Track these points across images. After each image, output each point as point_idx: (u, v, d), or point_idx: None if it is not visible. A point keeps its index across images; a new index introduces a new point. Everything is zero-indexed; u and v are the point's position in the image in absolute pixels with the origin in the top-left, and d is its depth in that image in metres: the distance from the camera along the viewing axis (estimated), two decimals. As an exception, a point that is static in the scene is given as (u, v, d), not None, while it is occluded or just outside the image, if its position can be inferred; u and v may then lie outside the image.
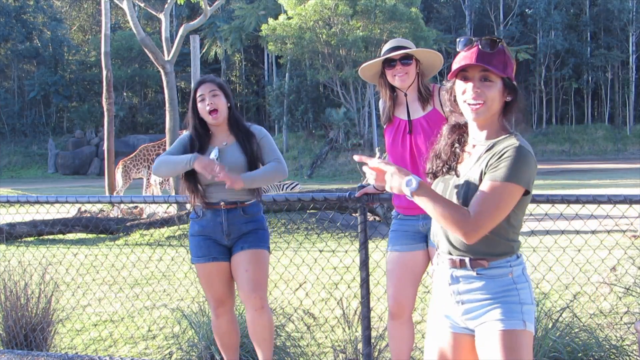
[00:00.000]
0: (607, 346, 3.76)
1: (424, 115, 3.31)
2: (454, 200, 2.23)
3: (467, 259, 2.24)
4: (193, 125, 3.53)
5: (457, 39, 2.27)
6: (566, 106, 51.51)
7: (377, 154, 12.97)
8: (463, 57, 2.22)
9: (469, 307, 2.24)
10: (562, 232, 4.30)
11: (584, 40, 49.93)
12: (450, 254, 2.28)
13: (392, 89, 3.39)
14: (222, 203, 3.46)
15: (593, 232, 4.47)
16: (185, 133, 3.62)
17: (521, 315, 2.20)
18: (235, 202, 3.48)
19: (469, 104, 2.21)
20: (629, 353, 3.79)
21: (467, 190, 2.21)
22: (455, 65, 2.23)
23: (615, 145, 45.98)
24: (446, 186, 2.30)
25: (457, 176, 2.29)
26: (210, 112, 3.45)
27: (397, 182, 2.17)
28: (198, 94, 3.49)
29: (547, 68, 49.42)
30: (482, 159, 2.22)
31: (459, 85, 2.24)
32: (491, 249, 2.22)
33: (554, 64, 49.44)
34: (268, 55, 47.96)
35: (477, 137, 2.28)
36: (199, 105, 3.48)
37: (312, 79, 42.36)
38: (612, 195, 3.38)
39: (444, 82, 2.41)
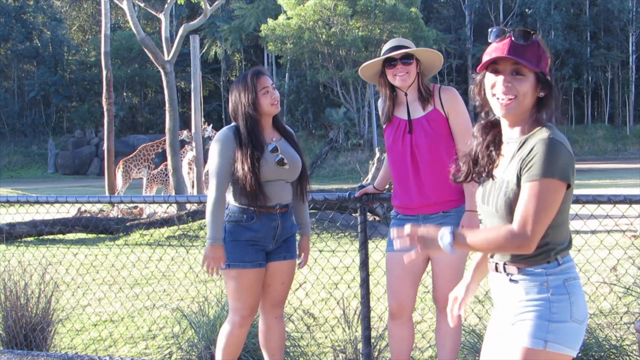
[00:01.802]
0: (607, 346, 3.76)
1: (424, 115, 3.31)
2: (493, 207, 2.12)
3: (501, 263, 2.13)
4: (251, 116, 3.27)
5: (489, 29, 2.14)
6: (566, 106, 51.46)
7: (377, 154, 12.96)
8: (494, 49, 2.09)
9: (508, 315, 2.13)
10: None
11: (584, 40, 49.91)
12: (491, 257, 2.19)
13: (392, 88, 3.39)
14: (277, 207, 3.32)
15: (593, 232, 4.47)
16: (222, 131, 3.34)
17: (545, 334, 2.02)
18: (287, 205, 3.37)
19: (499, 99, 2.09)
20: (629, 353, 3.79)
21: (503, 194, 2.09)
22: (486, 57, 2.10)
23: (615, 145, 45.96)
24: (485, 192, 2.19)
25: (493, 180, 2.16)
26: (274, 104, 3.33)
27: (430, 242, 2.06)
28: (262, 86, 3.29)
29: (547, 68, 49.39)
30: (515, 158, 2.10)
31: (489, 78, 2.12)
32: (525, 254, 2.08)
33: (554, 64, 49.18)
34: (268, 55, 47.91)
35: (509, 134, 2.15)
36: (262, 97, 3.29)
37: (312, 79, 42.34)
38: (612, 195, 3.38)
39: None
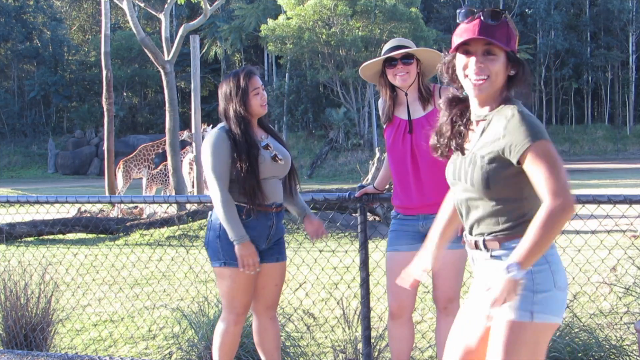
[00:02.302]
0: (607, 346, 3.75)
1: (424, 115, 3.31)
2: (468, 182, 2.13)
3: (480, 240, 2.15)
4: (242, 117, 3.25)
5: (457, 10, 2.15)
6: (566, 106, 51.49)
7: (377, 154, 12.97)
8: (464, 30, 2.09)
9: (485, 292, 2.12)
10: (562, 232, 4.28)
11: (584, 40, 49.91)
12: (470, 234, 2.19)
13: (393, 88, 3.39)
14: (274, 206, 3.31)
15: (593, 232, 4.47)
16: (213, 132, 3.32)
17: (531, 305, 2.04)
18: (281, 205, 3.36)
19: (472, 80, 2.10)
20: (629, 353, 3.79)
21: (479, 169, 2.10)
22: (457, 38, 2.11)
23: (615, 145, 45.97)
24: (455, 168, 2.21)
25: (463, 155, 2.18)
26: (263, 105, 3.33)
27: (505, 286, 1.95)
28: (254, 87, 3.28)
29: (547, 68, 49.41)
30: (485, 134, 2.12)
31: (460, 59, 2.12)
32: (504, 226, 2.10)
33: (554, 64, 49.41)
34: (268, 55, 47.92)
35: (479, 112, 2.17)
36: (254, 98, 3.28)
37: (312, 79, 42.34)
38: (612, 195, 3.38)
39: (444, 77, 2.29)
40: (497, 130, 2.08)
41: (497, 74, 2.09)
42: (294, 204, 3.56)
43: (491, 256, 2.14)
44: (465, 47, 2.11)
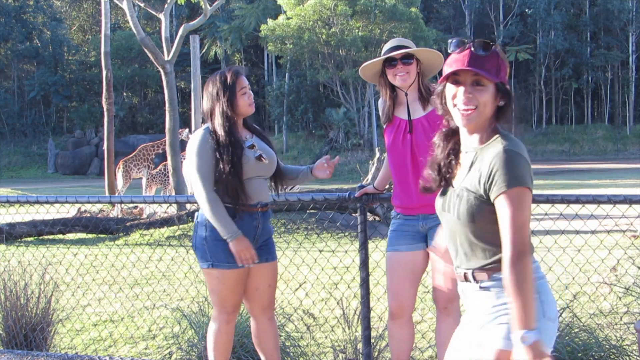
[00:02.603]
0: (607, 346, 3.76)
1: (424, 115, 3.31)
2: (454, 214, 2.15)
3: (470, 272, 2.17)
4: (228, 117, 3.24)
5: (449, 40, 2.18)
6: (566, 106, 51.49)
7: (377, 154, 12.97)
8: (455, 60, 2.13)
9: (480, 321, 2.16)
10: (562, 232, 4.30)
11: (584, 40, 49.91)
12: (459, 267, 2.21)
13: (393, 88, 3.39)
14: (259, 205, 3.31)
15: (593, 232, 4.47)
16: (197, 133, 3.32)
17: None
18: (267, 204, 3.36)
19: (460, 109, 2.12)
20: (629, 353, 3.79)
21: (465, 202, 2.12)
22: (447, 68, 2.14)
23: (615, 145, 45.97)
24: (445, 201, 2.23)
25: (453, 187, 2.21)
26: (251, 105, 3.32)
27: (533, 353, 1.96)
28: (241, 86, 3.27)
29: (547, 68, 49.41)
30: (473, 167, 2.14)
31: (450, 89, 2.16)
32: (491, 259, 2.12)
33: (553, 64, 49.42)
34: (268, 55, 47.94)
35: (468, 143, 2.19)
36: (241, 97, 3.27)
37: (312, 79, 42.35)
38: (612, 195, 3.38)
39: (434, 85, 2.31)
40: (483, 166, 2.10)
41: (485, 105, 2.11)
42: (295, 174, 3.58)
43: (480, 287, 2.15)
44: (455, 77, 2.14)
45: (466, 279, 2.19)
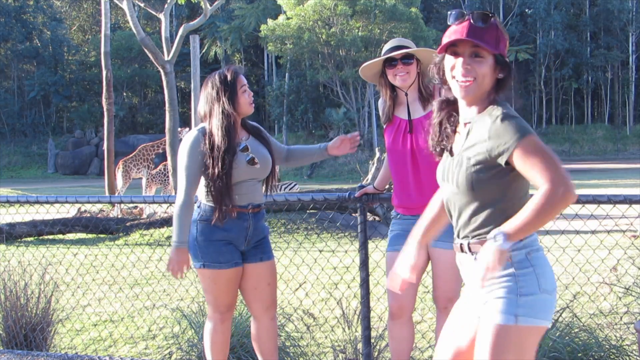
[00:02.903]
0: (607, 346, 3.75)
1: (424, 115, 3.31)
2: (453, 183, 2.15)
3: (465, 243, 2.17)
4: (228, 115, 3.19)
5: (449, 12, 2.16)
6: (566, 106, 51.51)
7: (377, 154, 12.97)
8: (454, 31, 2.11)
9: (476, 295, 2.17)
10: (562, 232, 4.29)
11: (584, 40, 49.93)
12: (457, 237, 2.22)
13: (393, 88, 3.39)
14: (250, 207, 3.28)
15: (593, 232, 4.47)
16: (191, 133, 3.29)
17: (515, 308, 2.05)
18: (259, 205, 3.33)
19: (458, 81, 2.11)
20: (629, 353, 3.79)
21: (464, 170, 2.11)
22: (445, 39, 2.13)
23: (615, 145, 45.99)
24: (444, 170, 2.23)
25: (452, 156, 2.21)
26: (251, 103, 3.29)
27: (491, 256, 1.96)
28: (241, 84, 3.24)
29: (547, 68, 49.42)
30: (471, 136, 2.13)
31: (448, 60, 2.14)
32: (487, 229, 2.11)
33: (553, 64, 49.44)
34: (268, 55, 47.95)
35: (467, 115, 2.18)
36: (242, 96, 3.23)
37: (312, 79, 42.35)
38: (612, 195, 3.37)
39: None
40: (481, 132, 2.09)
41: (484, 76, 2.10)
42: (306, 155, 3.57)
43: (475, 259, 2.14)
44: (453, 49, 2.12)
45: (462, 250, 2.19)
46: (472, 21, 2.08)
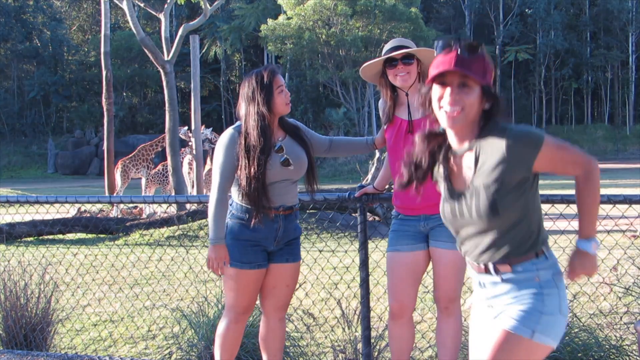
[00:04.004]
0: (606, 346, 3.75)
1: (425, 116, 3.30)
2: (472, 215, 2.15)
3: (490, 264, 2.17)
4: (263, 116, 3.17)
5: (435, 42, 2.19)
6: (566, 106, 51.51)
7: (377, 154, 12.96)
8: (441, 62, 2.13)
9: (497, 310, 2.19)
10: (562, 232, 4.29)
11: (584, 40, 49.93)
12: (476, 261, 2.22)
13: (393, 88, 3.39)
14: (281, 208, 3.26)
15: (593, 232, 4.45)
16: (227, 131, 3.27)
17: (535, 324, 2.09)
18: (291, 207, 3.31)
19: (446, 111, 2.13)
20: (629, 353, 3.79)
21: (485, 198, 2.12)
22: (433, 70, 2.15)
23: (615, 145, 45.99)
24: (453, 207, 2.22)
25: (456, 191, 2.21)
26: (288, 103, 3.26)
27: (592, 264, 2.17)
28: (278, 84, 3.22)
29: (547, 68, 49.42)
30: (481, 161, 2.13)
31: (436, 90, 2.16)
32: (514, 249, 2.14)
33: (553, 64, 49.43)
34: (268, 55, 47.91)
35: (460, 147, 2.19)
36: (278, 96, 3.21)
37: (312, 79, 42.35)
38: (612, 195, 3.37)
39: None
40: (495, 156, 2.10)
41: (471, 106, 2.12)
42: (353, 149, 3.60)
43: (502, 280, 2.17)
44: (441, 79, 2.14)
45: (487, 271, 2.19)
46: (459, 52, 2.10)
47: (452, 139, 2.21)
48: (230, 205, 3.28)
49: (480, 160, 2.13)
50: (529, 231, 2.14)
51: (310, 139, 3.42)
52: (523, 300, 2.12)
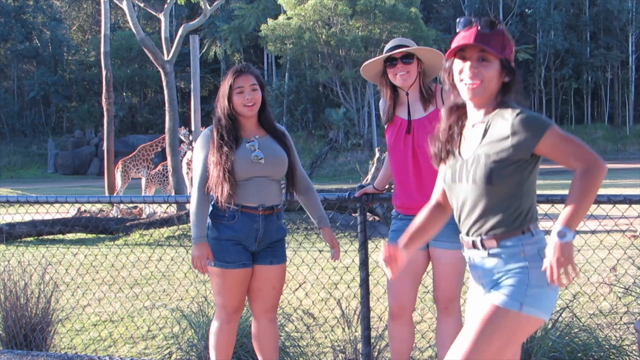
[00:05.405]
0: (606, 346, 3.76)
1: (426, 116, 3.30)
2: (469, 181, 2.23)
3: (478, 240, 2.25)
4: (227, 114, 3.25)
5: (457, 19, 2.32)
6: (566, 106, 51.49)
7: (377, 154, 12.97)
8: (462, 37, 2.26)
9: (487, 287, 2.26)
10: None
11: (584, 40, 49.91)
12: (467, 235, 2.30)
13: (394, 88, 3.39)
14: (260, 208, 3.24)
15: (593, 232, 4.47)
16: (204, 131, 3.35)
17: (522, 297, 2.15)
18: (272, 208, 3.28)
19: (466, 84, 2.24)
20: (629, 353, 3.79)
21: (482, 166, 2.21)
22: (454, 44, 2.27)
23: (615, 145, 45.96)
24: (454, 171, 2.31)
25: (462, 158, 2.29)
26: (248, 105, 3.27)
27: (563, 252, 2.05)
28: (236, 86, 3.24)
29: (547, 68, 49.41)
30: (489, 134, 2.23)
31: (457, 64, 2.28)
32: (501, 223, 2.21)
33: (553, 64, 49.41)
34: (268, 55, 47.92)
35: (475, 117, 2.30)
36: (235, 97, 3.24)
37: (312, 79, 42.34)
38: (611, 195, 3.37)
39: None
40: (501, 130, 2.20)
41: (490, 80, 2.23)
42: (310, 209, 3.52)
43: (489, 254, 2.25)
44: (462, 54, 2.26)
45: (474, 246, 2.27)
46: (479, 28, 2.23)
47: (470, 110, 2.31)
48: (212, 205, 3.29)
49: (489, 133, 2.23)
50: (519, 210, 2.21)
51: (291, 151, 3.40)
52: (510, 274, 2.19)
